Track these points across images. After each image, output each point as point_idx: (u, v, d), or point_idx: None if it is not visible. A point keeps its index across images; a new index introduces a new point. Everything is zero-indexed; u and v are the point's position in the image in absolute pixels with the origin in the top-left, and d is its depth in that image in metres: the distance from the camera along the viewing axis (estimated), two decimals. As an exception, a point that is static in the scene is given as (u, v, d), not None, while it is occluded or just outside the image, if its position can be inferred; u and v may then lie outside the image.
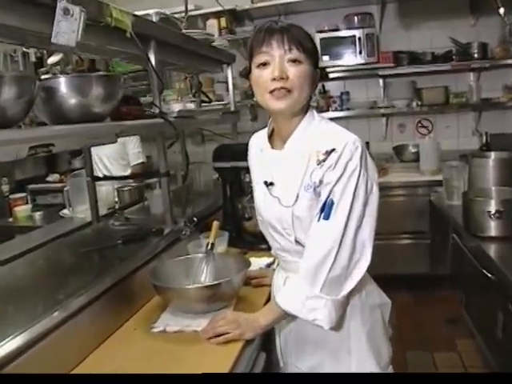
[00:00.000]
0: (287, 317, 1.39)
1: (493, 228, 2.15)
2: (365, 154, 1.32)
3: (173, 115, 1.96)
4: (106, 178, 2.59)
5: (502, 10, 3.04)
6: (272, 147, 1.47)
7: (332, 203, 1.29)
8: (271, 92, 1.31)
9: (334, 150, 1.30)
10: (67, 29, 1.28)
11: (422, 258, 3.96)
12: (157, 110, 1.91)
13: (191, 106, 2.10)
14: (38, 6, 1.27)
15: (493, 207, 2.12)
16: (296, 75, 1.30)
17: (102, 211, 2.52)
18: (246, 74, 1.42)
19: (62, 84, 1.45)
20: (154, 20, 2.05)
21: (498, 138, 4.20)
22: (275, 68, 1.29)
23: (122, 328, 1.49)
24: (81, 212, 2.48)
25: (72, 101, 1.47)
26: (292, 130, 1.40)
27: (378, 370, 1.40)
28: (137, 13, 1.93)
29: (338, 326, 1.36)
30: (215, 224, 1.73)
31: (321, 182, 1.32)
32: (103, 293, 1.45)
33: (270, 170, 1.45)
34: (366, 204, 1.31)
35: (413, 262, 3.98)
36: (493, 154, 2.96)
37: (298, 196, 1.35)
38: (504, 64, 4.10)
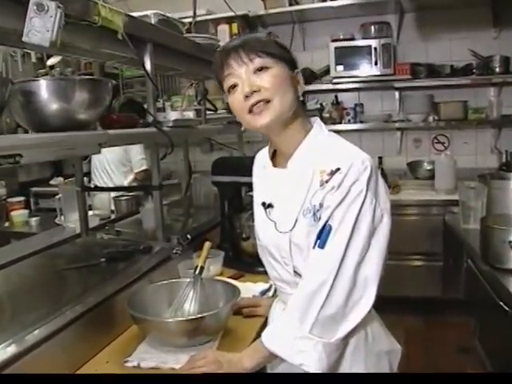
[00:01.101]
0: (275, 358, 1.20)
1: (513, 260, 1.98)
2: (375, 176, 1.16)
3: (168, 124, 1.82)
4: (97, 188, 2.46)
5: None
6: (275, 165, 1.33)
7: (330, 229, 1.14)
8: (250, 111, 1.18)
9: (338, 169, 1.15)
10: (41, 27, 1.15)
11: (433, 281, 3.78)
12: (151, 119, 1.78)
13: (190, 114, 1.95)
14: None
15: (514, 237, 1.95)
16: (268, 81, 1.16)
17: (95, 221, 2.41)
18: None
19: (42, 88, 1.33)
20: (153, 22, 1.92)
21: (517, 157, 4.03)
22: (244, 85, 1.16)
23: (93, 359, 1.33)
24: (72, 221, 2.36)
25: (53, 106, 1.34)
26: (295, 147, 1.25)
27: None
28: (134, 14, 1.80)
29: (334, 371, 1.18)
30: (207, 245, 1.57)
31: (321, 205, 1.17)
32: (75, 319, 1.31)
33: (271, 190, 1.31)
34: (371, 235, 1.14)
35: (424, 284, 3.81)
36: (513, 176, 2.80)
37: (296, 221, 1.20)
38: (527, 80, 3.91)
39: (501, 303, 1.99)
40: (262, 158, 1.41)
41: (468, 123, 4.18)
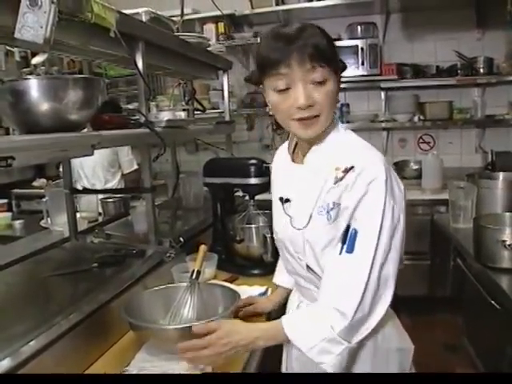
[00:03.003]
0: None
1: (506, 258, 1.98)
2: (390, 175, 1.14)
3: (161, 125, 1.78)
4: (85, 190, 2.40)
5: (514, 23, 2.90)
6: (293, 160, 1.32)
7: (355, 233, 1.12)
8: (298, 120, 1.14)
9: (352, 167, 1.13)
10: (34, 23, 1.10)
11: (420, 280, 3.79)
12: (143, 119, 1.73)
13: (181, 114, 1.91)
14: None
15: (508, 236, 1.95)
16: (323, 98, 1.12)
17: (83, 224, 2.35)
18: (254, 81, 1.25)
19: (32, 87, 1.27)
20: (144, 20, 1.87)
21: (502, 156, 4.07)
22: (299, 95, 1.10)
23: (89, 370, 1.28)
24: (60, 225, 2.30)
25: (43, 106, 1.28)
26: (316, 143, 1.23)
27: None
28: (125, 11, 1.76)
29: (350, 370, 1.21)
30: (202, 249, 1.53)
31: (335, 204, 1.15)
32: (69, 329, 1.25)
33: (289, 185, 1.30)
34: (392, 236, 1.13)
35: (411, 283, 3.78)
36: (501, 175, 2.82)
37: (310, 217, 1.19)
38: (510, 80, 3.94)
39: (492, 301, 2.00)
40: (282, 153, 1.40)
41: (453, 123, 4.21)
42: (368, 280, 1.10)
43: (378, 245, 1.10)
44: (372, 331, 1.16)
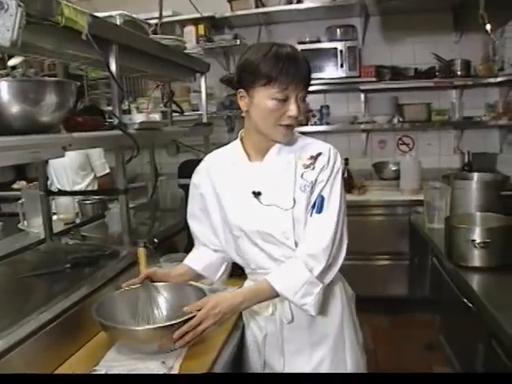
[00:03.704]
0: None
1: (477, 258, 2.01)
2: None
3: (134, 127, 1.79)
4: (60, 192, 2.40)
5: (488, 27, 2.94)
6: (250, 160, 1.51)
7: (323, 199, 1.42)
8: (284, 125, 1.40)
9: (320, 153, 1.45)
10: (0, 26, 1.11)
11: (400, 280, 3.83)
12: (116, 121, 1.74)
13: (156, 116, 1.92)
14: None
15: (478, 236, 1.98)
16: (303, 111, 1.43)
17: (60, 226, 2.35)
18: (235, 85, 1.44)
19: (3, 89, 1.27)
20: (118, 23, 1.88)
21: (479, 157, 4.14)
22: (295, 107, 1.37)
23: (58, 369, 1.29)
24: (36, 226, 2.29)
25: (14, 108, 1.29)
26: (271, 145, 1.47)
27: (363, 360, 1.58)
28: (99, 14, 1.77)
29: (334, 316, 1.51)
30: (141, 252, 1.55)
31: (316, 181, 1.43)
32: (39, 328, 1.27)
33: (254, 180, 1.47)
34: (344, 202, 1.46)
35: (390, 283, 3.86)
36: (475, 176, 2.86)
37: (294, 199, 1.42)
38: (487, 82, 4.01)
39: (464, 300, 2.02)
40: (224, 156, 1.57)
41: (431, 125, 4.27)
42: (335, 232, 1.40)
43: (339, 207, 1.43)
44: (337, 279, 1.51)
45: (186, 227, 2.11)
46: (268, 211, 1.44)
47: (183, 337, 1.29)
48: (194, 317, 1.30)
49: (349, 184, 3.96)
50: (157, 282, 1.52)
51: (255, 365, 1.57)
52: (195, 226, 1.65)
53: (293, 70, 1.34)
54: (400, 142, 4.50)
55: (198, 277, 1.62)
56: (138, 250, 1.56)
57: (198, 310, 1.31)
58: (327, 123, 4.38)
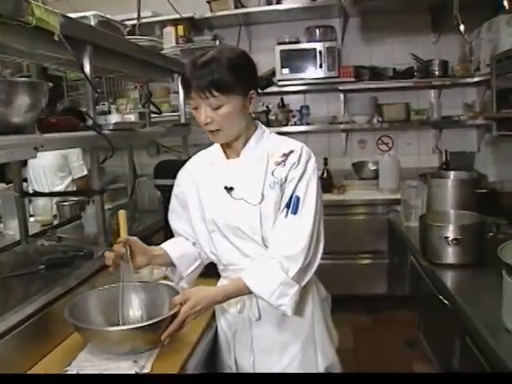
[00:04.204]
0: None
1: (450, 255, 2.03)
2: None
3: (109, 127, 1.79)
4: (36, 193, 2.38)
5: (462, 27, 2.98)
6: (227, 157, 1.55)
7: (298, 199, 1.42)
8: (208, 131, 1.45)
9: (292, 151, 1.46)
10: (-34, 26, 1.10)
11: (380, 279, 3.86)
12: (90, 122, 1.74)
13: (131, 117, 1.92)
14: None
15: (451, 233, 2.00)
16: (219, 118, 1.40)
17: (37, 228, 2.33)
18: None
19: (-28, 90, 1.27)
20: (92, 23, 1.88)
21: (457, 156, 4.19)
22: (200, 115, 1.40)
23: (31, 371, 1.29)
24: (12, 229, 2.27)
25: (-16, 109, 1.28)
26: (244, 143, 1.51)
27: (337, 360, 1.58)
28: (73, 15, 1.76)
29: (305, 316, 1.52)
30: (121, 215, 1.52)
31: (286, 178, 1.43)
32: (10, 329, 1.27)
33: (228, 176, 1.51)
34: (320, 202, 1.47)
35: (371, 282, 3.88)
36: (452, 174, 2.89)
37: (263, 195, 1.44)
38: (464, 82, 4.06)
39: (440, 297, 2.04)
40: (204, 158, 1.62)
41: (410, 124, 4.31)
42: (312, 233, 1.41)
43: (316, 207, 1.43)
44: (312, 281, 1.51)
45: (165, 227, 2.13)
46: (237, 205, 1.46)
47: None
48: (166, 318, 1.32)
49: (328, 184, 3.98)
50: (134, 250, 1.49)
51: (227, 362, 1.59)
52: (175, 221, 1.68)
53: (190, 78, 1.38)
54: (379, 141, 4.53)
55: (170, 265, 1.61)
56: (118, 213, 1.52)
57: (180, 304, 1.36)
58: (307, 123, 4.41)
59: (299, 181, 1.43)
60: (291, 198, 1.42)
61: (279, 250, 1.41)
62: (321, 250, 1.46)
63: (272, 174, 1.45)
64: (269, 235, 1.44)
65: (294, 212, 1.41)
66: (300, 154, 1.45)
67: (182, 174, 1.65)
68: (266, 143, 1.52)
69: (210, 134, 1.45)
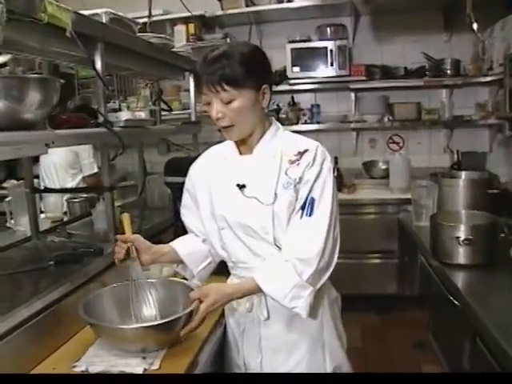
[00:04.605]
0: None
1: (461, 255, 2.01)
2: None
3: (119, 124, 1.79)
4: (46, 190, 2.40)
5: (475, 26, 2.96)
6: (240, 153, 1.53)
7: (313, 200, 1.39)
8: (220, 128, 1.42)
9: (307, 150, 1.43)
10: (-20, 23, 1.11)
11: (389, 279, 3.85)
12: (101, 119, 1.75)
13: (141, 114, 1.92)
14: None
15: (462, 233, 1.99)
16: (231, 113, 1.38)
17: (47, 224, 2.35)
18: None
19: (-15, 86, 1.27)
20: (104, 20, 1.88)
21: (469, 156, 4.15)
22: (212, 110, 1.39)
23: (40, 366, 1.30)
24: (23, 225, 2.29)
25: (-3, 105, 1.29)
26: (258, 140, 1.48)
27: (346, 362, 1.57)
28: (85, 12, 1.77)
29: (314, 318, 1.48)
30: (125, 217, 1.53)
31: (301, 178, 1.40)
32: (20, 324, 1.27)
33: (241, 173, 1.48)
34: (336, 203, 1.43)
35: (380, 282, 3.87)
36: (463, 174, 2.87)
37: (276, 195, 1.41)
38: (476, 82, 4.03)
39: (450, 297, 2.03)
40: (218, 152, 1.60)
41: (421, 124, 4.28)
42: (327, 235, 1.38)
43: (331, 209, 1.40)
44: (325, 283, 1.44)
45: (174, 224, 2.14)
46: (249, 204, 1.44)
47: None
48: (180, 317, 1.32)
49: (339, 183, 3.97)
50: (138, 249, 1.47)
51: (235, 362, 1.58)
52: (187, 216, 1.66)
53: (201, 72, 1.38)
54: (390, 140, 4.51)
55: (180, 262, 1.60)
56: (121, 216, 1.52)
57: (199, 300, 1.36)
58: (318, 122, 4.39)
59: (315, 182, 1.40)
60: (306, 199, 1.40)
61: (293, 253, 1.38)
62: (337, 253, 1.43)
63: (286, 173, 1.42)
64: (281, 235, 1.42)
65: (309, 214, 1.39)
66: (315, 154, 1.41)
67: (195, 168, 1.64)
68: (280, 140, 1.48)
69: (223, 131, 1.43)
